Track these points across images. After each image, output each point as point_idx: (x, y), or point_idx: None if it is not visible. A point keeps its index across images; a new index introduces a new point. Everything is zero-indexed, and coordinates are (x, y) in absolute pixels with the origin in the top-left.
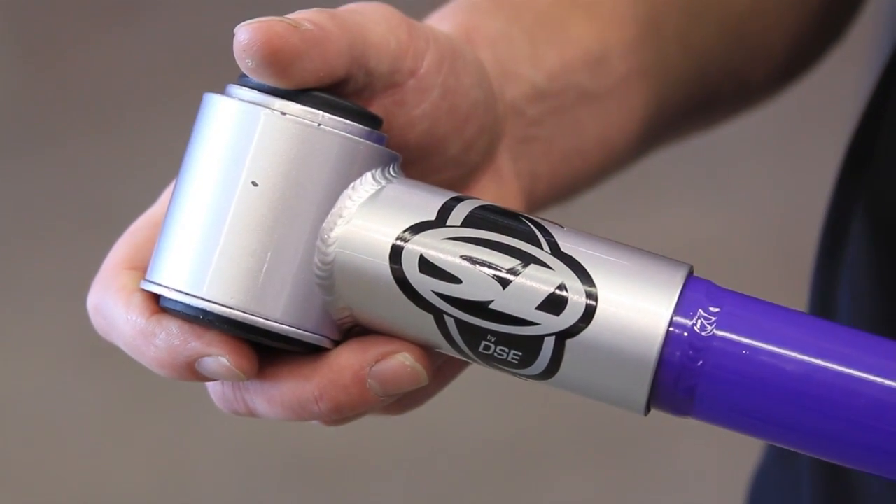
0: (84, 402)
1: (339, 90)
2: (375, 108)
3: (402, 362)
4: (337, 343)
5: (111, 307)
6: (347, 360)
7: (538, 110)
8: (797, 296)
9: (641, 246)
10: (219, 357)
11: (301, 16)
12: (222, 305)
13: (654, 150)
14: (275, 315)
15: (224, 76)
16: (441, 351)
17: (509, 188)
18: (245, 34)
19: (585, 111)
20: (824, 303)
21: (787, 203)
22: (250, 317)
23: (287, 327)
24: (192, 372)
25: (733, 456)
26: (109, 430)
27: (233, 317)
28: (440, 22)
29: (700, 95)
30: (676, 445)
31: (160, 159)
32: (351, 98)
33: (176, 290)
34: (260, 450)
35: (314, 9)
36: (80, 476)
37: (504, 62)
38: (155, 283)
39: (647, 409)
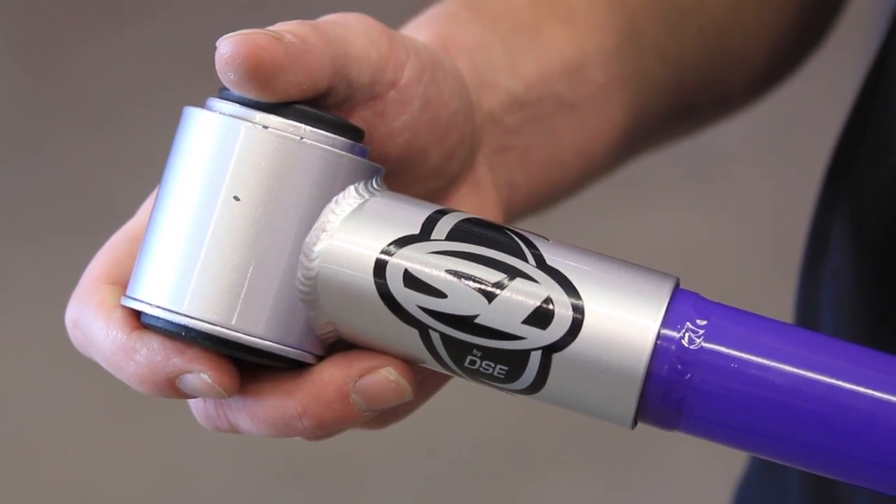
0: (80, 402)
1: (320, 102)
2: (356, 120)
3: (386, 377)
4: (321, 358)
5: (90, 322)
6: (331, 376)
7: (516, 119)
8: (790, 298)
9: (635, 247)
10: (200, 374)
11: (283, 28)
12: (204, 321)
13: (633, 158)
14: (257, 331)
15: (218, 80)
16: (426, 366)
17: (488, 198)
18: (227, 47)
19: (563, 120)
20: (809, 312)
21: (781, 204)
22: (233, 333)
23: (270, 343)
24: (174, 388)
25: (725, 455)
26: (105, 430)
27: (215, 333)
28: (417, 31)
29: (678, 104)
30: (668, 445)
31: (156, 162)
32: (332, 110)
33: (157, 307)
34: (255, 450)
35: (296, 21)
36: (76, 477)
37: (481, 71)
38: (136, 300)
39: (635, 423)
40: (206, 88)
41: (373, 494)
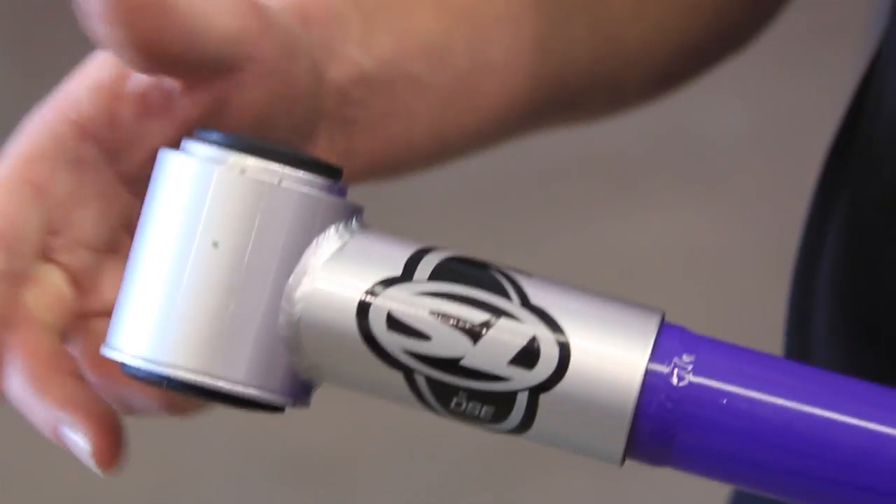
0: None
1: (174, 69)
2: (212, 92)
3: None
4: (304, 403)
5: None
6: None
7: (362, 93)
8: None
9: (633, 247)
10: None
11: None
12: (186, 370)
13: (504, 143)
14: (239, 378)
15: None
16: (412, 407)
17: None
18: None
19: (418, 101)
20: (801, 324)
21: (781, 204)
22: (214, 381)
23: (252, 390)
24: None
25: None
26: None
27: (196, 382)
28: None
29: (560, 97)
30: None
31: None
32: (182, 78)
33: (138, 357)
34: (254, 451)
35: None
36: (73, 477)
37: (331, 42)
38: (116, 350)
39: (623, 460)
40: None
41: (371, 495)
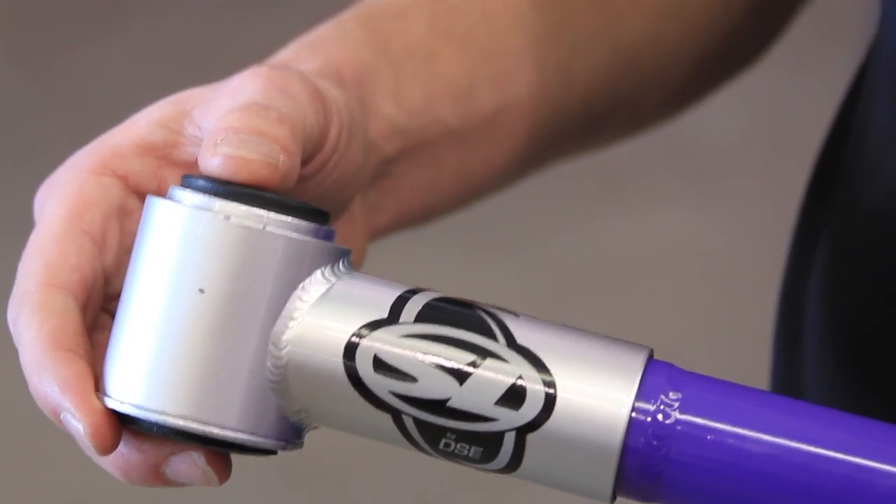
0: None
1: None
2: None
3: (193, 461)
4: (296, 445)
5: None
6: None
7: (395, 147)
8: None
9: (630, 249)
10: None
11: (273, 136)
12: (176, 417)
13: (531, 174)
14: (229, 423)
15: (213, 81)
16: (403, 448)
17: (357, 227)
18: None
19: (447, 147)
20: (790, 339)
21: (777, 206)
22: (205, 427)
23: (243, 435)
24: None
25: None
26: None
27: (187, 428)
28: (311, 52)
29: (584, 122)
30: None
31: None
32: None
33: (129, 404)
34: None
35: (266, 113)
36: (69, 478)
37: (367, 100)
38: (107, 397)
39: (614, 497)
40: None
41: (368, 496)
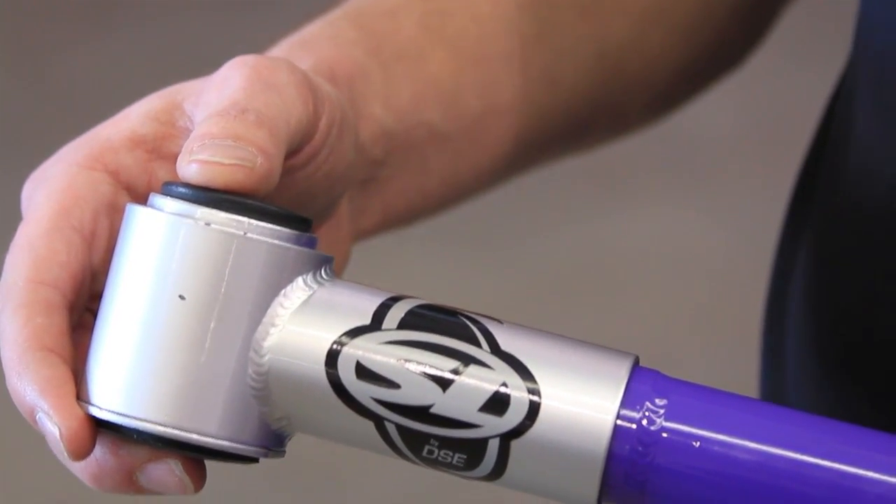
0: None
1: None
2: None
3: (170, 468)
4: (277, 452)
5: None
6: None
7: (382, 150)
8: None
9: (622, 247)
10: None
11: (249, 139)
12: (156, 424)
13: (517, 176)
14: (210, 430)
15: None
16: (386, 455)
17: (343, 232)
18: (197, 173)
19: (433, 149)
20: (775, 343)
21: (768, 204)
22: (185, 434)
23: (224, 442)
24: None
25: None
26: None
27: (168, 435)
28: (303, 51)
29: (569, 126)
30: None
31: None
32: None
33: (108, 410)
34: None
35: (243, 117)
36: (64, 478)
37: (357, 102)
38: (86, 403)
39: None
40: None
41: (363, 497)
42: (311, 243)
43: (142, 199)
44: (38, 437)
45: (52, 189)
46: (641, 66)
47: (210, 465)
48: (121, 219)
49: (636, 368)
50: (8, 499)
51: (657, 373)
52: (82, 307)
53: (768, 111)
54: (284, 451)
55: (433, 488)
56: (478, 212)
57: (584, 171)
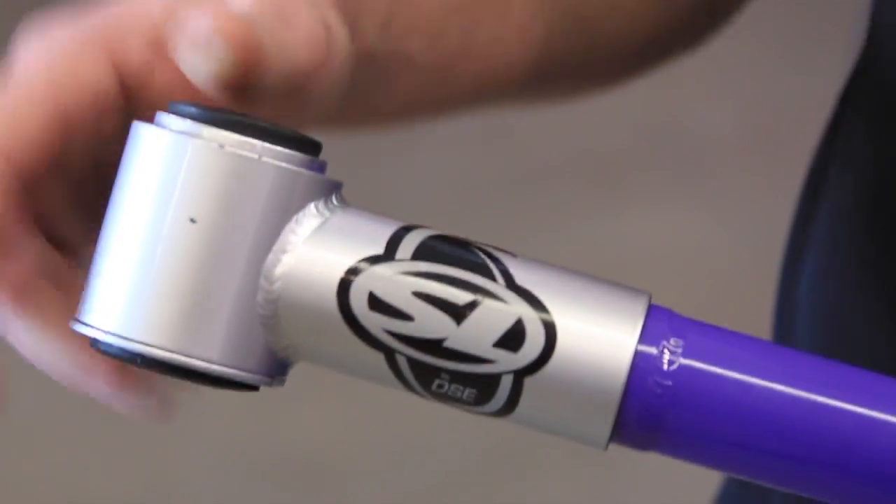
0: (68, 402)
1: (241, 97)
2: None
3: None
4: (279, 381)
5: None
6: None
7: (360, 69)
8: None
9: (621, 246)
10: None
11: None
12: (159, 348)
13: (484, 111)
14: (214, 356)
15: None
16: (393, 388)
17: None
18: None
19: (403, 79)
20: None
21: (766, 203)
22: (189, 359)
23: (227, 369)
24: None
25: None
26: (90, 431)
27: (171, 360)
28: None
29: (534, 82)
30: None
31: None
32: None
33: (110, 333)
34: (243, 453)
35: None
36: (62, 478)
37: (355, 22)
38: (87, 325)
39: (608, 444)
40: None
41: (361, 497)
42: (322, 168)
43: (134, 97)
44: (39, 437)
45: (53, 62)
46: (614, 28)
47: (210, 465)
48: (110, 115)
49: (652, 306)
50: (7, 499)
51: (672, 311)
52: (52, 190)
53: (768, 111)
54: (284, 381)
55: (433, 488)
56: (478, 212)
57: (584, 170)
